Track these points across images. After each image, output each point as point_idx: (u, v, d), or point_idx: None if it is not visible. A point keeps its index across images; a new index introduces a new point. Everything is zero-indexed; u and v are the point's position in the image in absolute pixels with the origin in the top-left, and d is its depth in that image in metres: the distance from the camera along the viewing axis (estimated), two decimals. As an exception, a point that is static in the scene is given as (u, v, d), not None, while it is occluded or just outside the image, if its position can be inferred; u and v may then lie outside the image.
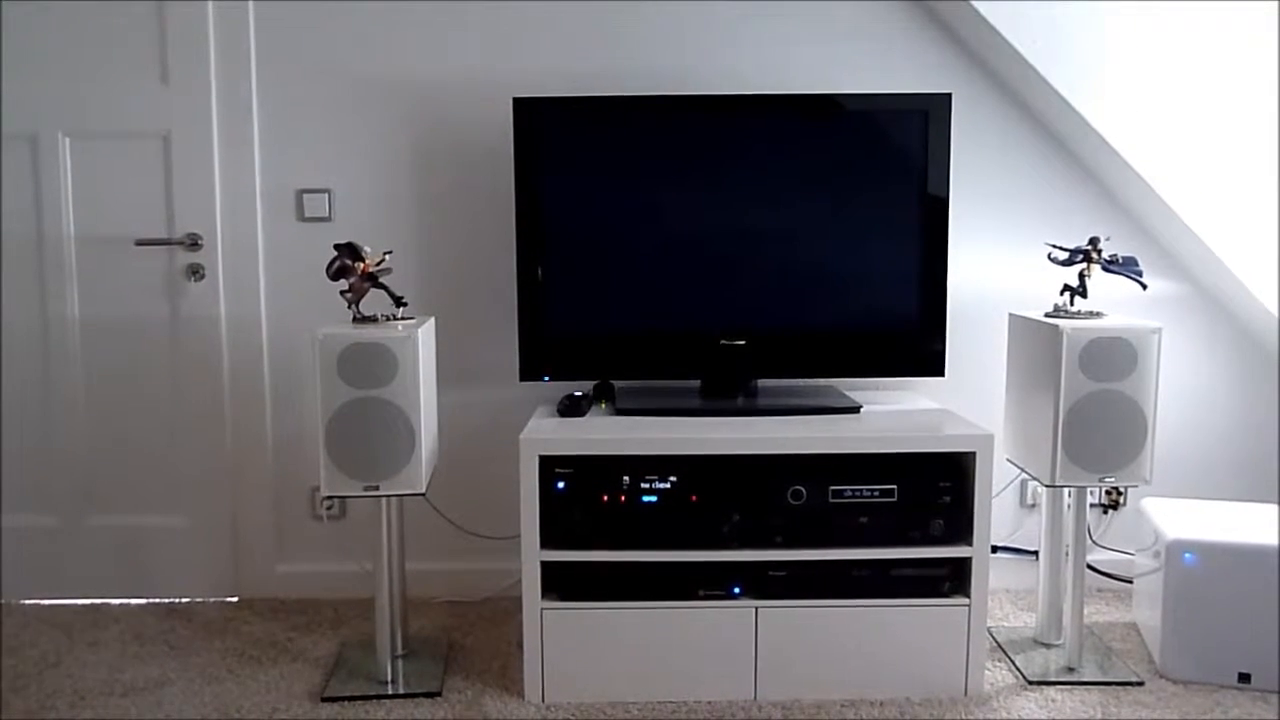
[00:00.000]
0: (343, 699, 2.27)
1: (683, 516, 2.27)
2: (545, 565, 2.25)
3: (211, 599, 2.87)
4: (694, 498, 2.27)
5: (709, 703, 2.28)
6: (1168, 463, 2.85)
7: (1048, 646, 2.51)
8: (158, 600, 2.86)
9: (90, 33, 2.71)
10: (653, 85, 2.74)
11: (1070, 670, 2.38)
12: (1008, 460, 2.56)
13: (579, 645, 2.27)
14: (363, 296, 2.31)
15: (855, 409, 2.48)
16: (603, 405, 2.57)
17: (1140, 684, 2.33)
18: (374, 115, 2.77)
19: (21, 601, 2.85)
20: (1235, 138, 2.60)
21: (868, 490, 2.28)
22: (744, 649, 2.28)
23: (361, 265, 2.29)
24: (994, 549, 2.78)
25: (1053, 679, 2.35)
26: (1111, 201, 2.81)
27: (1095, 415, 2.25)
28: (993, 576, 2.57)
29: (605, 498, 2.27)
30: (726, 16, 2.74)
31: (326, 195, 2.79)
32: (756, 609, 2.27)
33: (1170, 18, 2.57)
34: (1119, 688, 2.32)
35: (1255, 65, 2.58)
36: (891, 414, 2.49)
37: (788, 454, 2.26)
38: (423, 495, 2.28)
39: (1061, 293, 2.42)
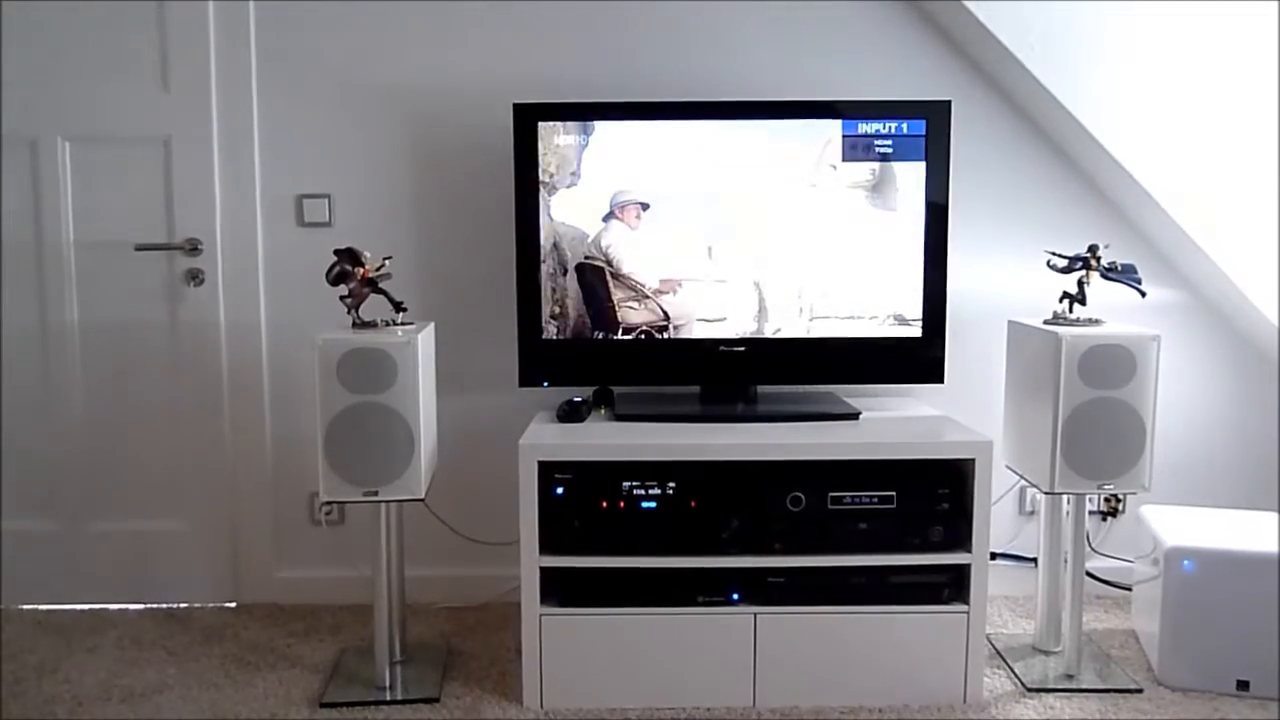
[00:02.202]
0: (341, 705, 2.27)
1: (682, 522, 2.27)
2: (544, 571, 2.25)
3: (210, 604, 2.86)
4: (693, 504, 2.27)
5: (707, 709, 2.27)
6: (1167, 470, 2.85)
7: (1047, 654, 2.50)
8: (156, 606, 2.85)
9: (91, 38, 2.71)
10: (651, 90, 2.74)
11: (1069, 677, 2.38)
12: (1007, 467, 2.56)
13: (578, 651, 2.27)
14: (362, 302, 2.31)
15: (854, 415, 2.48)
16: (602, 411, 2.57)
17: (1139, 691, 2.33)
18: (374, 120, 2.77)
19: (20, 606, 2.84)
20: (1235, 145, 2.60)
21: (867, 497, 2.28)
22: (743, 655, 2.27)
23: (361, 270, 2.29)
24: (993, 556, 2.78)
25: (1052, 686, 2.35)
26: (1110, 209, 2.81)
27: (1094, 422, 2.25)
28: (991, 583, 2.56)
29: (604, 504, 2.27)
30: (727, 22, 2.75)
31: (326, 200, 2.79)
32: (755, 615, 2.27)
33: (1170, 24, 2.58)
34: (1118, 695, 2.32)
35: (1255, 73, 2.59)
36: (891, 420, 2.49)
37: (787, 460, 2.26)
38: (422, 501, 2.28)
39: (1061, 300, 2.42)
